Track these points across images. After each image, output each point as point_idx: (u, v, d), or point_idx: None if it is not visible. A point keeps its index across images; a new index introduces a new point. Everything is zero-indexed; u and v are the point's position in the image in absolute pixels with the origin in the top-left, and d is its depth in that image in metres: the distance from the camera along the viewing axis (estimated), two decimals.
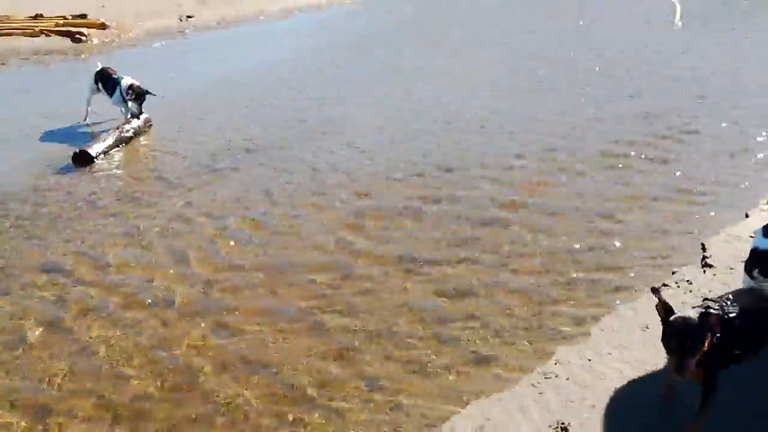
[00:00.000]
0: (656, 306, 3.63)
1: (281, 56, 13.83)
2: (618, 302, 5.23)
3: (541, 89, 11.07)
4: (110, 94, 9.71)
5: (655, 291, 3.71)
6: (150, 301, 5.58)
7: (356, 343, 4.95)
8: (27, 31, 15.30)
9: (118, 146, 8.91)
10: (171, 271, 6.02)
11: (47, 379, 4.71)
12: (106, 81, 9.77)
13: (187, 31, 16.35)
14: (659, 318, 3.63)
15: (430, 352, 4.80)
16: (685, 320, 3.52)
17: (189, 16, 17.37)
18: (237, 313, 5.38)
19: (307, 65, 13.03)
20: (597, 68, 12.15)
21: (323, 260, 6.09)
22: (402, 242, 6.35)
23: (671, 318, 3.57)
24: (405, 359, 4.76)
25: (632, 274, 5.64)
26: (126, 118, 9.49)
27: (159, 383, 4.63)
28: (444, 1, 20.14)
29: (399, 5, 19.54)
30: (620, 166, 7.87)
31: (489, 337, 4.94)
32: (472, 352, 4.79)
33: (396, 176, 7.80)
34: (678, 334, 3.49)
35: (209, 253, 6.29)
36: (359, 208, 7.06)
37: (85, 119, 9.93)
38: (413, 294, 5.52)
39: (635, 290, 5.38)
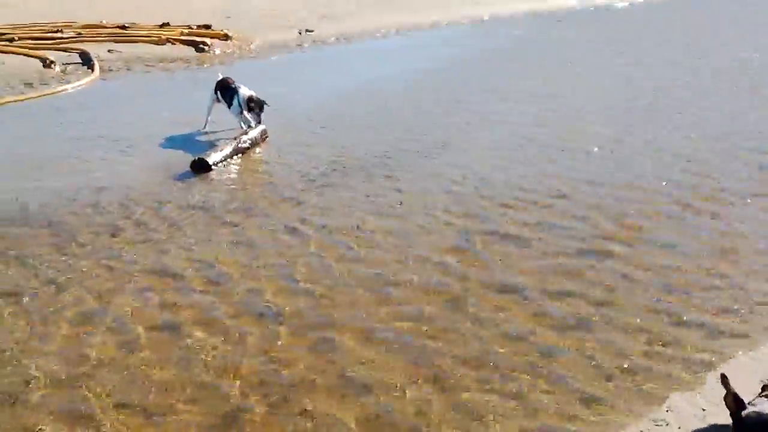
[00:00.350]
0: (724, 398, 3.26)
1: (396, 72, 13.93)
2: (736, 350, 4.98)
3: (659, 109, 10.74)
4: (229, 104, 10.00)
5: (724, 380, 3.32)
6: (258, 312, 5.66)
7: (455, 370, 4.88)
8: (153, 38, 15.96)
9: (234, 156, 9.13)
10: (280, 283, 6.10)
11: (151, 383, 4.83)
12: (225, 91, 10.08)
13: (306, 45, 16.69)
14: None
15: (533, 386, 4.68)
16: (760, 416, 3.15)
17: (309, 30, 17.74)
18: (338, 329, 5.39)
19: (421, 82, 13.10)
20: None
21: (425, 282, 6.05)
22: (507, 269, 6.25)
23: (743, 413, 3.20)
24: (505, 391, 4.65)
25: (753, 321, 5.35)
26: (243, 128, 9.74)
27: (260, 396, 4.67)
28: (557, 24, 19.82)
29: (512, 26, 19.37)
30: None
31: (595, 375, 4.78)
32: (577, 390, 4.64)
33: (505, 201, 7.70)
34: None
35: (316, 267, 6.36)
36: (465, 231, 6.99)
37: (204, 128, 10.25)
38: (516, 323, 5.41)
39: (755, 338, 5.11)
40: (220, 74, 10.44)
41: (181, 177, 8.58)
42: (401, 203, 7.72)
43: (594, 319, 5.46)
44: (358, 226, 7.15)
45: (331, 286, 6.03)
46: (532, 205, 7.58)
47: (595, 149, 9.21)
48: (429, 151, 9.34)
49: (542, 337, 5.25)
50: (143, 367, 5.00)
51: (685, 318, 5.43)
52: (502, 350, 5.08)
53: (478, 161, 8.92)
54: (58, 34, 16.23)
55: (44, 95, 12.42)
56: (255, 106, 9.83)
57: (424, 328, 5.39)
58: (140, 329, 5.46)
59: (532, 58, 15.21)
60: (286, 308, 5.70)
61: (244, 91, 9.90)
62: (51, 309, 5.76)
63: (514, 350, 5.09)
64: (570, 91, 12.27)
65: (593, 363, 4.91)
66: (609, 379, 4.75)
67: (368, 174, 8.55)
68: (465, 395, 4.61)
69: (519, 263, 6.36)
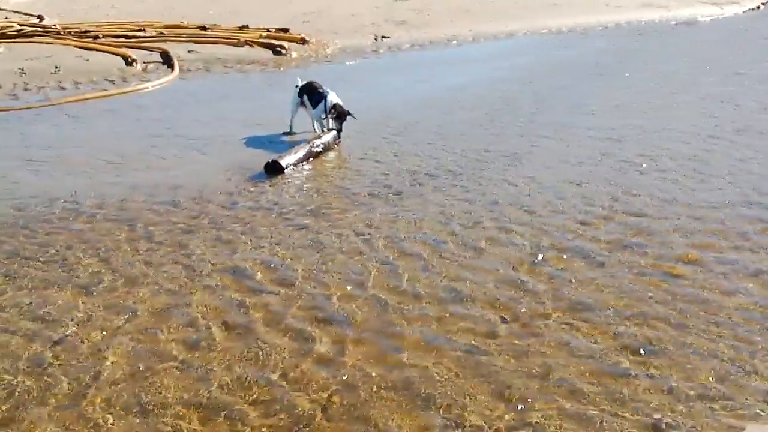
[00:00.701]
0: None
1: (470, 81, 13.85)
2: None
3: (746, 130, 10.39)
4: (313, 106, 10.04)
5: None
6: (326, 317, 5.68)
7: (522, 388, 4.79)
8: (232, 40, 16.22)
9: (307, 160, 9.19)
10: (349, 288, 6.10)
11: (219, 383, 4.87)
12: (311, 94, 10.11)
13: (381, 50, 16.75)
14: None
15: (605, 410, 4.56)
16: None
17: (384, 37, 17.80)
18: (406, 340, 5.36)
19: (495, 92, 12.97)
20: None
21: (494, 297, 5.96)
22: (581, 289, 6.11)
23: None
24: (573, 413, 4.54)
25: None
26: (319, 132, 9.80)
27: (325, 401, 4.67)
28: (638, 37, 19.42)
29: (591, 38, 19.05)
30: None
31: (670, 402, 4.62)
32: (648, 415, 4.51)
33: (579, 217, 7.54)
34: None
35: (385, 275, 6.34)
36: (536, 246, 6.87)
37: (290, 130, 10.29)
38: (586, 343, 5.28)
39: None
40: (299, 79, 10.46)
41: (254, 178, 8.68)
42: (469, 213, 7.64)
43: (668, 341, 5.29)
44: (426, 236, 7.11)
45: (399, 295, 6.00)
46: (607, 222, 7.41)
47: (676, 168, 8.96)
48: (500, 162, 9.24)
49: (613, 358, 5.12)
50: (212, 365, 5.05)
51: (763, 347, 5.22)
52: (570, 370, 4.97)
53: (552, 175, 8.78)
54: (141, 33, 16.64)
55: (125, 92, 12.74)
56: (339, 114, 9.85)
57: (492, 343, 5.31)
58: (211, 328, 5.53)
59: (612, 70, 14.92)
60: (355, 315, 5.70)
61: (332, 98, 9.93)
62: (124, 304, 5.88)
63: (584, 370, 4.97)
64: (652, 107, 11.96)
65: (666, 387, 4.77)
66: (682, 404, 4.60)
67: (438, 183, 8.50)
68: (532, 414, 4.52)
69: (591, 281, 6.22)
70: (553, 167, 9.05)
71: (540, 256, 6.67)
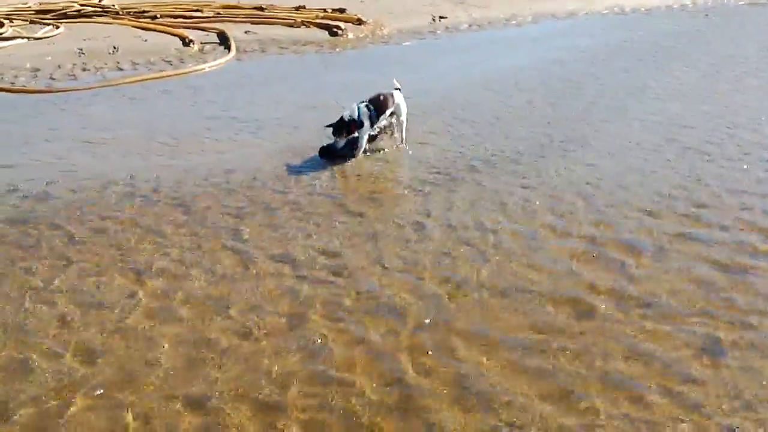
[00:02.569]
0: None
1: (530, 62, 13.53)
2: None
3: None
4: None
5: None
6: (381, 308, 5.56)
7: (582, 388, 4.61)
8: (289, 21, 16.14)
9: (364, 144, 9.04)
10: (403, 279, 5.98)
11: (272, 374, 4.79)
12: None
13: (438, 31, 16.49)
14: None
15: (666, 412, 4.36)
16: None
17: (442, 17, 17.52)
18: (462, 335, 5.21)
19: (556, 74, 12.64)
20: None
21: (552, 290, 5.77)
22: (642, 281, 5.88)
23: None
24: (636, 416, 4.35)
25: None
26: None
27: (378, 397, 4.57)
28: (704, 19, 18.75)
29: (655, 18, 18.46)
30: None
31: (737, 407, 4.40)
32: (715, 420, 4.29)
33: (642, 206, 7.27)
34: None
35: (441, 265, 6.19)
36: (596, 237, 6.64)
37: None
38: (648, 341, 5.07)
39: None
40: (395, 81, 9.23)
41: (308, 162, 8.59)
42: (526, 200, 7.43)
43: (735, 342, 5.05)
44: (482, 226, 6.92)
45: (455, 287, 5.85)
46: (670, 213, 7.12)
47: (744, 156, 8.60)
48: (561, 147, 8.97)
49: (676, 357, 4.90)
50: (265, 356, 4.98)
51: None
52: (632, 370, 4.77)
53: (614, 161, 8.51)
54: (198, 14, 16.66)
55: (182, 73, 12.76)
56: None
57: (550, 339, 5.13)
58: (263, 317, 5.46)
59: (676, 53, 14.43)
60: (409, 307, 5.57)
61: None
62: (177, 291, 5.84)
63: (646, 371, 4.76)
64: (717, 91, 11.53)
65: (733, 391, 4.54)
66: (750, 409, 4.37)
67: (497, 169, 8.30)
68: (591, 418, 4.35)
69: (654, 276, 5.97)
70: (615, 154, 8.77)
71: (600, 247, 6.44)
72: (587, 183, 7.89)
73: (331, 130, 8.51)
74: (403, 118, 8.89)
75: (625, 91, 11.60)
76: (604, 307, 5.52)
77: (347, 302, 5.67)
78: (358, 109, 8.47)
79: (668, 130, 9.61)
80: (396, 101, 8.77)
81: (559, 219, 7.03)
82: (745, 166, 8.30)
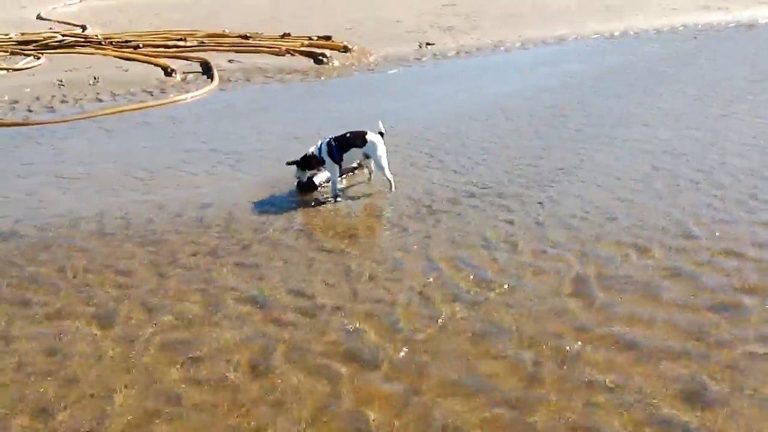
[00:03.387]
0: None
1: (517, 89, 13.32)
2: None
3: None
4: None
5: None
6: (351, 353, 5.28)
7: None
8: (274, 49, 15.96)
9: (342, 176, 8.77)
10: (377, 321, 5.70)
11: (242, 428, 4.50)
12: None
13: (425, 58, 16.31)
14: None
15: None
16: None
17: (429, 44, 17.36)
18: (434, 380, 4.93)
19: (542, 101, 12.40)
20: None
21: (533, 331, 5.49)
22: (627, 319, 5.61)
23: None
24: None
25: None
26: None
27: None
28: (693, 42, 18.59)
29: (645, 42, 18.29)
30: None
31: None
32: None
33: (629, 240, 7.00)
34: None
35: (418, 306, 5.91)
36: (583, 273, 6.37)
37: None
38: (628, 386, 4.78)
39: None
40: (380, 124, 8.56)
41: (287, 196, 8.33)
42: (510, 234, 7.17)
43: (722, 388, 4.76)
44: (462, 262, 6.65)
45: (431, 329, 5.57)
46: (660, 247, 6.85)
47: (734, 184, 8.34)
48: (547, 178, 8.71)
49: (659, 406, 4.60)
50: (225, 409, 4.68)
51: None
52: (607, 418, 4.48)
53: (601, 192, 8.24)
54: (182, 42, 16.49)
55: (162, 104, 12.53)
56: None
57: (528, 385, 4.84)
58: (228, 364, 5.19)
59: (666, 77, 14.22)
60: (381, 351, 5.29)
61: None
62: (138, 337, 5.57)
63: (626, 420, 4.47)
64: (708, 117, 11.28)
65: None
66: None
67: (480, 202, 8.03)
68: None
69: (641, 314, 5.70)
70: (603, 184, 8.51)
71: (587, 284, 6.17)
72: (572, 215, 7.63)
73: (293, 166, 8.29)
74: (383, 163, 8.26)
75: (614, 117, 11.37)
76: (588, 348, 5.24)
77: (316, 347, 5.39)
78: (321, 145, 8.19)
79: (657, 158, 9.37)
80: (370, 142, 8.18)
81: (542, 255, 6.76)
82: (734, 194, 8.04)
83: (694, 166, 9.00)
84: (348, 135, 8.19)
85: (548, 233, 7.22)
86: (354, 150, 8.20)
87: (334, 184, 8.30)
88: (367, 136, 8.17)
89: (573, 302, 5.92)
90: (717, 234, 7.08)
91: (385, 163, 8.25)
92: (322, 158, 8.14)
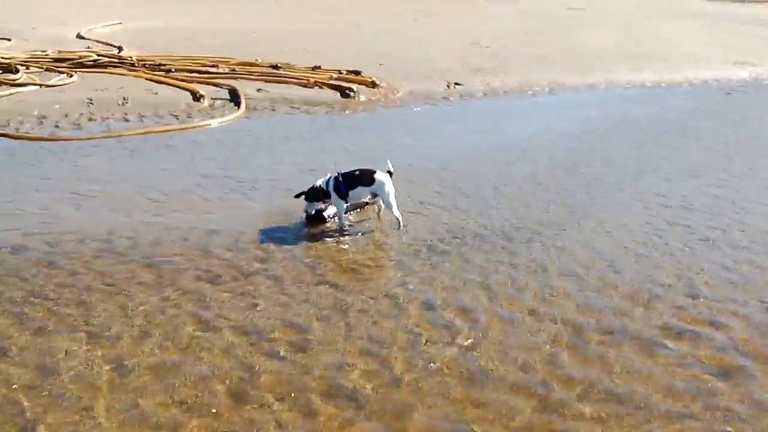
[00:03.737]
0: None
1: (539, 133, 13.28)
2: None
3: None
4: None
5: None
6: (337, 390, 5.26)
7: None
8: (302, 81, 16.11)
9: (351, 211, 8.78)
10: (368, 360, 5.68)
11: None
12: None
13: (452, 98, 16.35)
14: None
15: None
16: None
17: (457, 84, 17.41)
18: (417, 425, 4.87)
19: (563, 146, 12.33)
20: None
21: (522, 381, 5.43)
22: (623, 376, 5.52)
23: None
24: None
25: None
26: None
27: None
28: (726, 97, 18.43)
29: (675, 94, 18.17)
30: None
31: None
32: None
33: (635, 294, 6.92)
34: None
35: (407, 347, 5.88)
36: (582, 325, 6.29)
37: None
38: None
39: None
40: (389, 163, 8.46)
41: (294, 227, 8.35)
42: (512, 279, 7.11)
43: None
44: (462, 304, 6.60)
45: (420, 372, 5.52)
46: (665, 304, 6.75)
47: (750, 245, 8.22)
48: (558, 224, 8.65)
49: None
50: None
51: None
52: None
53: (609, 243, 8.16)
54: (213, 69, 16.71)
55: (187, 128, 12.68)
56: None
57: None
58: (213, 393, 5.17)
59: (693, 131, 14.07)
60: (368, 391, 5.25)
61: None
62: (127, 358, 5.59)
63: None
64: (731, 174, 11.11)
65: None
66: None
67: (485, 245, 7.98)
68: None
69: (638, 372, 5.60)
70: (614, 234, 8.43)
71: (581, 336, 6.09)
72: (579, 264, 7.55)
73: (301, 197, 8.30)
74: (392, 201, 8.19)
75: (634, 168, 11.28)
76: (579, 405, 5.16)
77: (303, 381, 5.37)
78: (329, 179, 8.21)
79: (673, 212, 9.26)
80: (378, 182, 8.12)
81: (543, 303, 6.69)
82: (749, 255, 7.92)
83: (710, 224, 8.88)
84: (356, 172, 8.19)
85: (551, 280, 7.16)
86: (361, 188, 8.19)
87: (340, 218, 8.31)
88: (375, 175, 8.14)
89: (567, 352, 5.84)
90: (725, 295, 6.96)
91: (393, 202, 8.21)
92: (328, 191, 8.16)
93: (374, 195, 8.28)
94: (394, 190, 8.20)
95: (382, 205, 8.41)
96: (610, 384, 5.42)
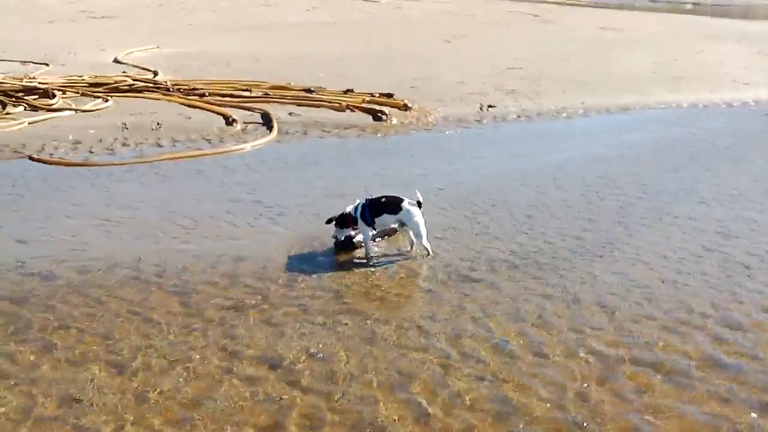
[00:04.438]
0: None
1: (573, 157, 13.08)
2: None
3: None
4: None
5: None
6: (364, 426, 5.16)
7: None
8: (335, 104, 16.11)
9: (382, 237, 8.68)
10: (395, 393, 5.59)
11: None
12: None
13: (485, 120, 16.21)
14: None
15: None
16: None
17: (491, 106, 17.27)
18: None
19: (598, 170, 12.11)
20: None
21: (553, 417, 5.28)
22: (651, 410, 5.36)
23: None
24: None
25: None
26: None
27: None
28: (764, 118, 18.08)
29: (712, 116, 17.83)
30: None
31: None
32: None
33: (670, 324, 6.74)
34: None
35: (438, 381, 5.76)
36: (613, 360, 6.12)
37: None
38: None
39: None
40: (418, 193, 8.29)
41: (321, 254, 8.28)
42: (543, 309, 6.97)
43: None
44: (491, 335, 6.47)
45: (448, 406, 5.42)
46: (701, 334, 6.57)
47: None
48: (591, 252, 8.47)
49: None
50: None
51: None
52: None
53: (645, 271, 7.97)
54: (246, 93, 16.79)
55: (218, 153, 12.71)
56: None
57: None
58: (239, 425, 5.10)
59: (731, 154, 13.77)
60: (392, 425, 5.15)
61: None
62: (153, 389, 5.54)
63: None
64: None
65: None
66: None
67: (517, 273, 7.84)
68: None
69: (668, 405, 5.44)
70: (649, 262, 8.23)
71: (614, 370, 5.92)
72: (612, 293, 7.38)
73: (331, 224, 8.25)
74: (420, 231, 8.02)
75: (669, 193, 11.04)
76: None
77: (328, 416, 5.28)
78: (357, 206, 8.11)
79: (709, 238, 9.03)
80: (405, 210, 7.97)
81: (575, 333, 6.53)
82: None
83: (747, 250, 8.65)
84: (383, 199, 8.08)
85: (584, 311, 7.00)
86: (386, 215, 8.05)
87: (367, 245, 8.21)
88: (402, 204, 7.99)
89: (598, 388, 5.68)
90: (764, 325, 6.75)
91: (422, 231, 8.05)
92: (356, 218, 8.07)
93: (402, 224, 8.16)
94: (423, 220, 8.03)
95: (411, 234, 8.28)
96: (638, 420, 5.25)
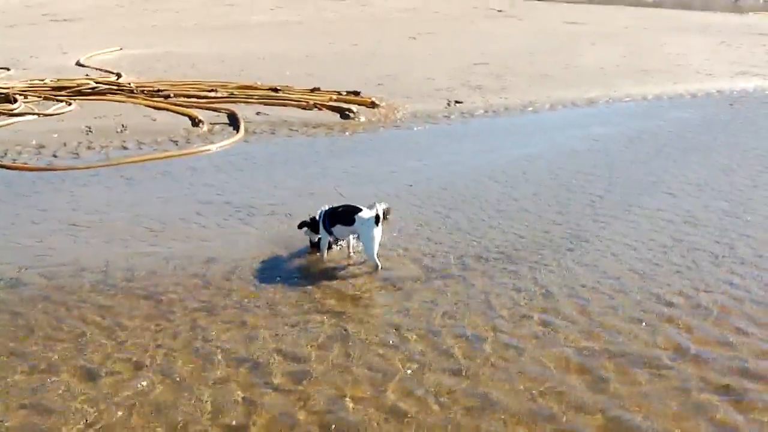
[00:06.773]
0: None
1: (541, 151, 13.13)
2: None
3: None
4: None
5: None
6: (334, 426, 5.12)
7: None
8: (302, 103, 16.03)
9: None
10: (367, 392, 5.56)
11: None
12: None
13: (452, 116, 16.22)
14: None
15: None
16: None
17: (458, 102, 17.30)
18: None
19: (565, 164, 12.17)
20: None
21: (529, 410, 5.29)
22: (626, 400, 5.39)
23: None
24: None
25: None
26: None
27: None
28: (729, 108, 18.27)
29: (678, 107, 18.02)
30: None
31: None
32: None
33: (641, 316, 6.79)
34: None
35: (407, 376, 5.75)
36: (589, 351, 6.15)
37: None
38: None
39: None
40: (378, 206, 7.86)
41: (292, 254, 8.22)
42: (514, 303, 6.98)
43: None
44: (464, 331, 6.47)
45: (420, 400, 5.40)
46: (671, 325, 6.63)
47: (756, 259, 8.08)
48: (561, 245, 8.51)
49: None
50: None
51: None
52: None
53: (614, 262, 8.03)
54: (212, 94, 16.65)
55: (184, 154, 12.58)
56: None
57: None
58: (209, 427, 5.04)
59: (696, 145, 13.91)
60: (364, 423, 5.12)
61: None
62: (123, 395, 5.47)
63: None
64: (736, 188, 10.95)
65: None
66: None
67: (488, 268, 7.85)
68: None
69: (643, 394, 5.48)
70: (618, 254, 8.29)
71: (587, 361, 5.94)
72: (583, 286, 7.42)
73: (302, 229, 8.19)
74: (369, 246, 7.63)
75: (637, 185, 11.13)
76: (585, 429, 5.01)
77: (299, 414, 5.25)
78: (321, 212, 7.96)
79: (678, 228, 9.12)
80: (357, 222, 7.62)
81: (547, 327, 6.56)
82: (755, 271, 7.77)
83: (715, 239, 8.75)
84: (340, 209, 7.83)
85: (555, 304, 7.03)
86: (341, 226, 7.81)
87: (323, 251, 8.06)
88: (356, 215, 7.66)
89: (573, 378, 5.71)
90: (732, 312, 6.83)
91: (371, 245, 7.64)
92: (317, 224, 7.98)
93: (357, 236, 7.95)
94: (375, 234, 7.60)
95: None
96: (615, 410, 5.29)
